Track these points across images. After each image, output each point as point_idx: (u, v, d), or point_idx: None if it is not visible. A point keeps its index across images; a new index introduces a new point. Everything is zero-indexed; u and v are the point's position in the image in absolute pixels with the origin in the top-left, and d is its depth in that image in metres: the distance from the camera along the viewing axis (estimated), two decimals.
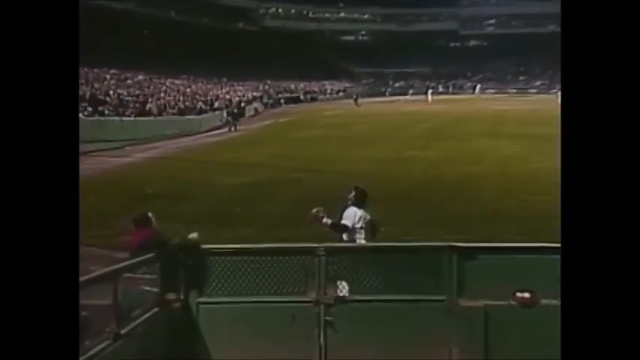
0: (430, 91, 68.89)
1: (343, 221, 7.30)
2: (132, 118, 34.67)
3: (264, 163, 22.57)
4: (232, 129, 38.96)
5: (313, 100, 73.24)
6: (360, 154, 24.78)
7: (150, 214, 6.49)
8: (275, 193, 16.31)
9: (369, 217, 7.42)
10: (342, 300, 6.18)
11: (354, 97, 63.58)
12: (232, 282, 6.22)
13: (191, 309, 6.19)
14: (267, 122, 44.48)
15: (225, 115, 41.59)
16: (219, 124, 41.24)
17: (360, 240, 7.27)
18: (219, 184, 18.77)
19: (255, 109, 56.64)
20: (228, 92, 58.94)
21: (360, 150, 26.14)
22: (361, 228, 7.35)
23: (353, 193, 7.46)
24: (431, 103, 59.80)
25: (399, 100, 66.44)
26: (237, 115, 42.46)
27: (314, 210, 7.19)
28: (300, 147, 27.75)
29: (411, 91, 75.68)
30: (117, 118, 33.42)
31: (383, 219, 8.37)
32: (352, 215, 7.34)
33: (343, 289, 6.20)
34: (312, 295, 6.22)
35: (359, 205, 7.42)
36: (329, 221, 7.25)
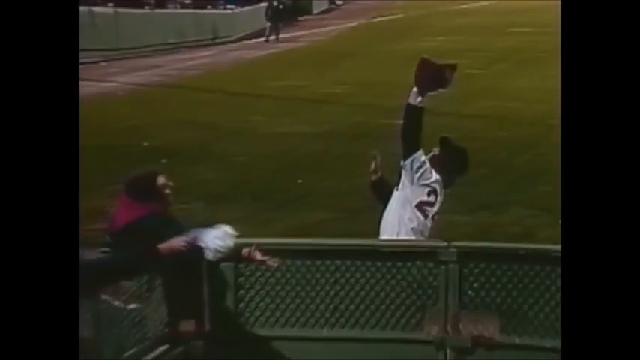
0: None
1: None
2: (110, 10, 34.97)
3: (341, 99, 22.88)
4: (270, 38, 38.92)
5: None
6: (523, 84, 24.55)
7: (161, 177, 6.36)
8: (360, 152, 16.30)
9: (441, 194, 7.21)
10: (487, 343, 6.31)
11: None
12: (290, 304, 6.42)
13: (221, 348, 6.41)
14: (349, 23, 44.45)
15: (266, 9, 40.61)
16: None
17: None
18: (264, 133, 19.08)
19: (331, 1, 56.74)
20: None
21: (524, 76, 25.99)
22: (433, 215, 7.20)
23: (436, 150, 7.26)
24: None
25: None
26: (281, 12, 41.96)
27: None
28: (406, 70, 27.66)
29: None
30: (84, 7, 34.14)
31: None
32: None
33: (490, 324, 6.31)
34: (432, 332, 6.35)
35: (442, 170, 7.16)
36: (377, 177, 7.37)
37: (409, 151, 6.92)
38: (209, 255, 5.83)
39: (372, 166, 7.34)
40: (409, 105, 7.01)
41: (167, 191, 6.31)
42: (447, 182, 7.18)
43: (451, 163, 7.19)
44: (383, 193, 7.25)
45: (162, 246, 5.65)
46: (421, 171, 6.94)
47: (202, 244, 5.82)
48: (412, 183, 6.97)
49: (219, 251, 5.85)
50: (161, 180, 6.29)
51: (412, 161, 6.90)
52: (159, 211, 6.14)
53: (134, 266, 5.81)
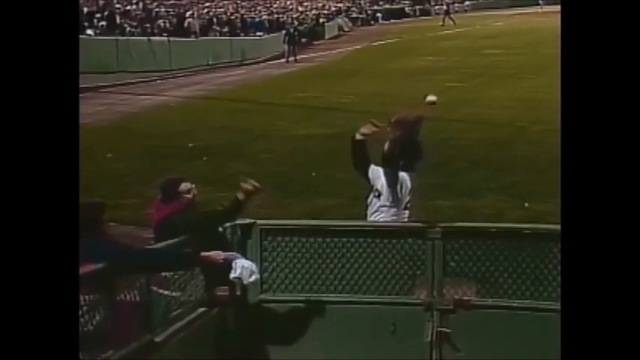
0: None
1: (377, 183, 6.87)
2: (164, 39, 35.42)
3: (349, 107, 22.82)
4: (289, 59, 38.96)
5: (425, 13, 72.30)
6: (497, 94, 24.56)
7: (185, 182, 6.33)
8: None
9: (409, 185, 6.91)
10: (466, 305, 6.27)
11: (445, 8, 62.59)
12: (307, 273, 6.44)
13: (250, 309, 6.46)
14: (355, 46, 44.45)
15: (284, 36, 40.94)
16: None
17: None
18: (287, 135, 19.15)
19: (340, 27, 56.70)
20: (302, 1, 59.22)
21: (498, 88, 25.95)
22: (406, 205, 6.96)
23: (396, 132, 6.73)
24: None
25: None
26: (296, 36, 41.82)
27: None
28: (403, 83, 27.64)
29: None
30: (143, 38, 34.30)
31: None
32: (392, 180, 6.77)
33: (468, 289, 6.28)
34: (420, 296, 6.34)
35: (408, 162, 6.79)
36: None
37: (364, 176, 6.87)
38: (231, 275, 5.72)
39: (368, 128, 6.79)
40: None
41: (189, 194, 6.31)
42: (407, 168, 6.91)
43: (407, 148, 6.88)
44: (359, 155, 6.91)
45: (204, 254, 5.57)
46: (380, 184, 6.84)
47: (233, 265, 5.72)
48: (382, 193, 6.88)
49: (237, 277, 5.72)
50: (183, 185, 6.30)
51: (373, 181, 6.85)
52: (180, 209, 6.17)
53: (176, 264, 5.75)
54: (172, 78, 31.95)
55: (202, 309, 6.19)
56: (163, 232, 6.02)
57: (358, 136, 6.79)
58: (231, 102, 25.24)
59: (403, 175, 6.86)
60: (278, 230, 6.52)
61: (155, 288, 5.59)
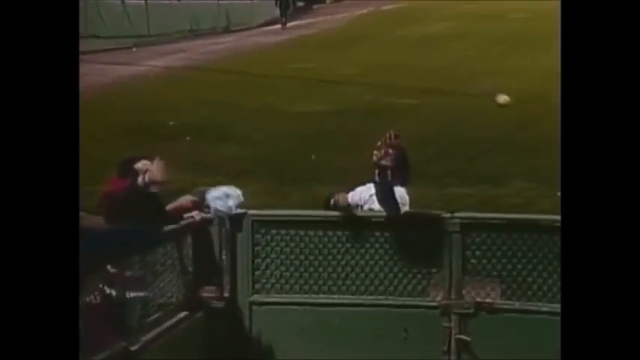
0: None
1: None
2: (141, 1, 35.26)
3: (354, 79, 22.76)
4: (283, 25, 38.88)
5: None
6: (523, 64, 24.48)
7: (144, 161, 6.35)
8: (373, 130, 16.27)
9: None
10: (489, 308, 6.28)
11: None
12: (305, 272, 6.43)
13: (241, 313, 6.45)
14: (361, 11, 44.29)
15: None
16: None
17: None
18: (283, 112, 19.13)
19: None
20: None
21: (524, 57, 25.87)
22: None
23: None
24: None
25: None
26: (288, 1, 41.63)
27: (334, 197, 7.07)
28: (414, 52, 27.52)
29: None
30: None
31: None
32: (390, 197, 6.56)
33: (491, 290, 6.29)
34: (436, 298, 6.35)
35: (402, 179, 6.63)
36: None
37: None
38: (212, 214, 5.82)
39: (343, 200, 7.00)
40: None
41: (144, 174, 6.31)
42: (403, 183, 6.79)
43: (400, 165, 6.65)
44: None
45: (170, 205, 5.65)
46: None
47: (206, 203, 5.82)
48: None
49: (219, 211, 5.84)
50: (141, 163, 6.34)
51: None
52: (129, 187, 6.24)
53: (150, 239, 5.75)
54: (151, 45, 31.79)
55: (185, 312, 6.19)
56: (106, 207, 6.11)
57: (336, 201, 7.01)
58: (219, 73, 25.20)
59: (400, 190, 6.72)
60: (273, 222, 6.50)
61: (127, 289, 5.59)
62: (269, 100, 20.47)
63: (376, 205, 6.80)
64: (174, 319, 6.05)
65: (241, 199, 6.13)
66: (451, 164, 12.88)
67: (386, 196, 6.59)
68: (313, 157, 14.69)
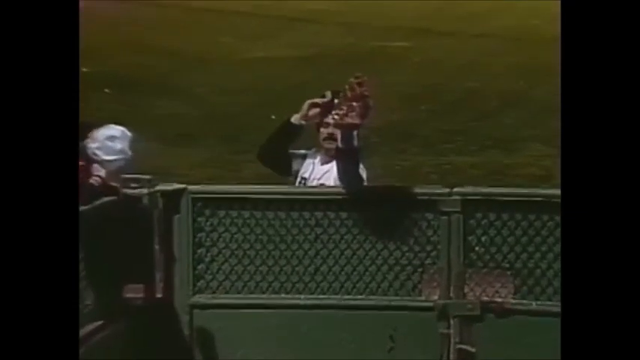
0: None
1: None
2: None
3: (329, 17, 22.31)
4: None
5: None
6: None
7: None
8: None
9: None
10: (499, 309, 6.13)
11: None
12: (263, 264, 6.29)
13: (177, 318, 6.28)
14: None
15: None
16: None
17: None
18: (238, 59, 18.89)
19: None
20: None
21: None
22: None
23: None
24: None
25: None
26: None
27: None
28: None
29: None
30: None
31: None
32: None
33: (501, 286, 6.09)
34: (431, 297, 6.25)
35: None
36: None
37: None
38: (101, 158, 5.87)
39: (311, 109, 7.11)
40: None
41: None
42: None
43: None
44: (285, 144, 7.19)
45: None
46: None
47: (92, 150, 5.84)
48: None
49: (111, 161, 5.90)
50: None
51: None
52: None
53: None
54: None
55: (100, 321, 5.88)
56: None
57: (295, 120, 7.05)
58: (152, 7, 23.99)
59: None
60: (221, 200, 6.33)
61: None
62: (220, 43, 20.11)
63: (331, 181, 6.80)
64: (86, 330, 5.65)
65: (128, 134, 6.02)
66: (449, 125, 12.46)
67: (349, 167, 6.48)
68: (273, 117, 14.27)
